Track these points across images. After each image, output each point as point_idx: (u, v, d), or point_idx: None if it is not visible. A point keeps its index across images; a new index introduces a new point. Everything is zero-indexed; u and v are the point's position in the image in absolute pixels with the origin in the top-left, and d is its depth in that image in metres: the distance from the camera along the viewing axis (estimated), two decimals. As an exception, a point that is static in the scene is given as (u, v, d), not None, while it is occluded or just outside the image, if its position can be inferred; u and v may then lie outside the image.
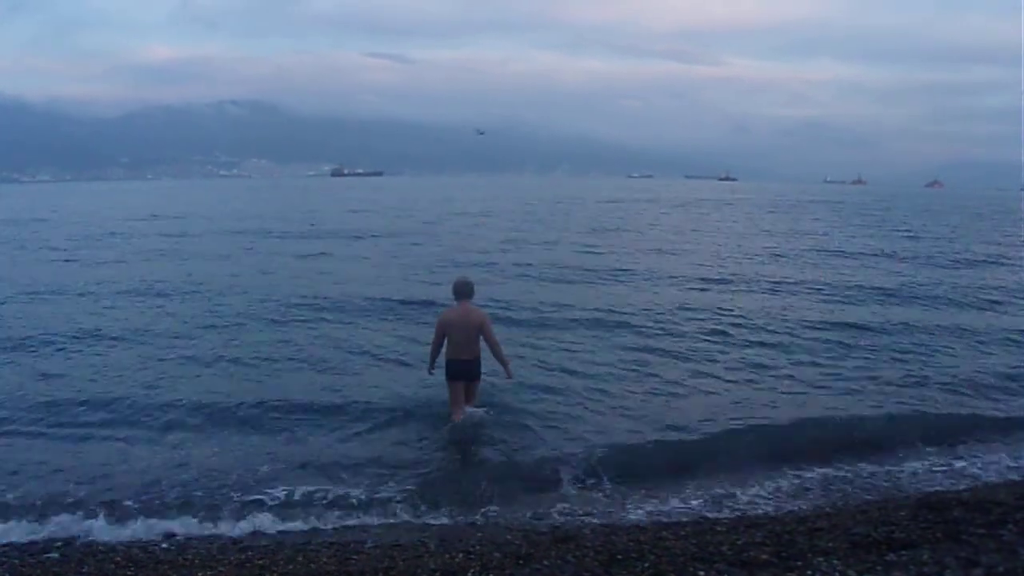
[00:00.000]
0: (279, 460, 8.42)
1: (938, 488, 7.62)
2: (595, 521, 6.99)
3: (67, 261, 25.75)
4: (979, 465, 8.46)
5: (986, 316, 16.67)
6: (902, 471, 8.31)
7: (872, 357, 12.80)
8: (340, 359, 12.43)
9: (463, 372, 9.35)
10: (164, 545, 6.57)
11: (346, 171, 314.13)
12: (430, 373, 9.72)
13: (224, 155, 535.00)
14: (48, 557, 6.31)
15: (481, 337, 9.30)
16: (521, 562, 5.52)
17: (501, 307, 15.74)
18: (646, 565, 5.31)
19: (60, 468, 8.26)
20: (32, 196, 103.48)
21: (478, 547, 6.06)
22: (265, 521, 7.06)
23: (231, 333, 14.32)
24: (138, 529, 6.91)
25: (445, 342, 9.34)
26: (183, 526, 6.98)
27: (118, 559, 6.09)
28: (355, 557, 6.00)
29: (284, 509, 7.27)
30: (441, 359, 9.46)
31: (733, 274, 22.49)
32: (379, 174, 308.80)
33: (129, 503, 7.37)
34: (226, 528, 6.96)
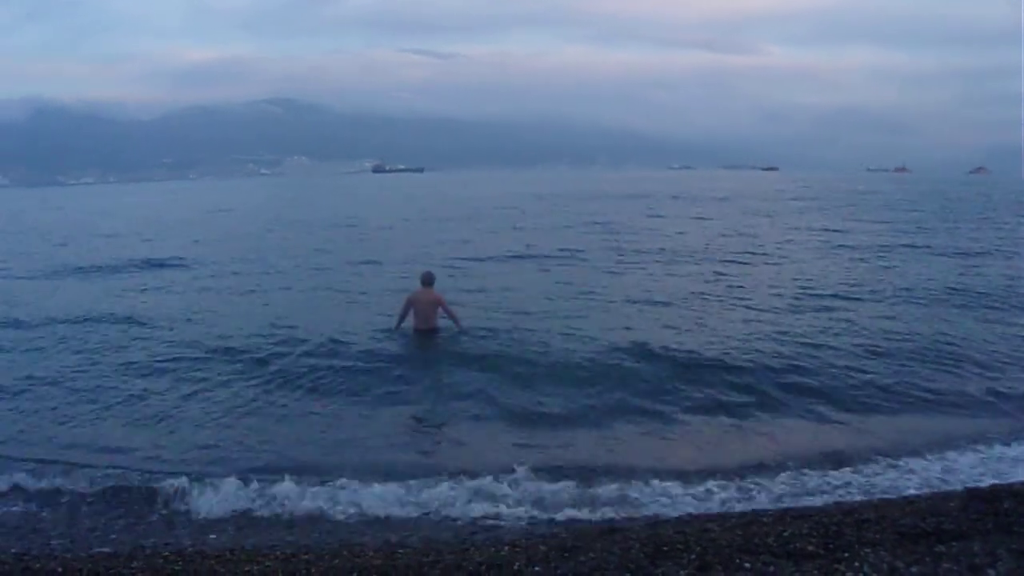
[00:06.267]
0: (320, 451, 8.76)
1: (989, 480, 7.50)
2: (640, 513, 7.00)
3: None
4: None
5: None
6: (951, 463, 8.17)
7: (919, 355, 12.56)
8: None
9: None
10: (213, 536, 6.78)
11: (387, 167, 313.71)
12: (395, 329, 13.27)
13: (264, 153, 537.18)
14: (99, 551, 6.46)
15: (441, 310, 13.05)
16: (567, 555, 5.52)
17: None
18: (692, 557, 5.29)
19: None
20: (101, 197, 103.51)
21: (523, 540, 6.10)
22: (309, 509, 7.33)
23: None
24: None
25: (410, 315, 13.07)
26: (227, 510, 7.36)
27: (167, 554, 6.19)
28: (400, 551, 6.05)
29: (328, 501, 7.45)
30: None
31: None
32: (420, 170, 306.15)
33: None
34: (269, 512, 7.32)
